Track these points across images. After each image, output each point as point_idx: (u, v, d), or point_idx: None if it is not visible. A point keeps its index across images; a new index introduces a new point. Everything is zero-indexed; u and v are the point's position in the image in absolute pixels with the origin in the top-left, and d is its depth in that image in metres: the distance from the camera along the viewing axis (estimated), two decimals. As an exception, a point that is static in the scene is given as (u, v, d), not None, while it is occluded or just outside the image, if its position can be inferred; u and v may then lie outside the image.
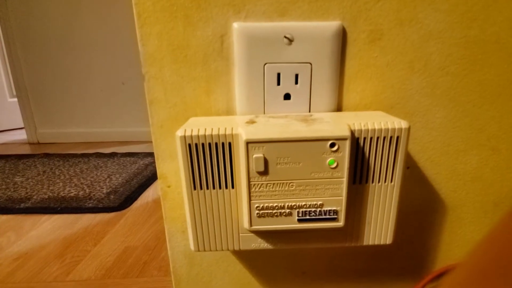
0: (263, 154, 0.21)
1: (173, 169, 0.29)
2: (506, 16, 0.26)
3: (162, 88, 0.27)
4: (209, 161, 0.22)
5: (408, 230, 0.32)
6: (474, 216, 0.32)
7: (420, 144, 0.29)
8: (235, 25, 0.25)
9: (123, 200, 1.15)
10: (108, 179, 1.36)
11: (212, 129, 0.21)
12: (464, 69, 0.27)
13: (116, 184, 1.31)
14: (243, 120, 0.23)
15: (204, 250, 0.24)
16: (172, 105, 0.27)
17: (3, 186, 1.31)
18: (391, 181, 0.23)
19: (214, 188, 0.23)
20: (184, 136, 0.21)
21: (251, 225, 0.22)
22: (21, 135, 2.17)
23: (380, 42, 0.26)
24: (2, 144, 2.06)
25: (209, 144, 0.21)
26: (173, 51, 0.26)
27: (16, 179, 1.39)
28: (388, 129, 0.22)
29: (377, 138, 0.22)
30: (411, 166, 0.30)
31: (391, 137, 0.22)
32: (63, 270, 0.74)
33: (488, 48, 0.27)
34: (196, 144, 0.21)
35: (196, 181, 0.22)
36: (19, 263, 0.77)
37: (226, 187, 0.23)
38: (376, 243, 0.25)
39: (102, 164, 1.56)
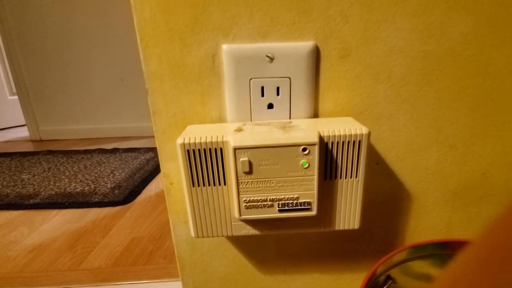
0: (248, 158, 0.25)
1: (174, 169, 0.33)
2: (460, 32, 0.30)
3: (163, 100, 0.31)
4: (205, 163, 0.27)
5: (379, 217, 0.37)
6: (436, 204, 0.36)
7: (387, 143, 0.33)
8: (224, 46, 0.29)
9: (127, 194, 1.20)
10: (111, 175, 1.41)
11: (206, 137, 0.26)
12: (423, 79, 0.31)
13: (120, 179, 1.36)
14: (232, 128, 0.28)
15: (203, 237, 0.29)
16: (172, 115, 0.31)
17: (11, 183, 1.37)
18: (356, 177, 0.28)
19: (209, 185, 0.27)
20: (184, 143, 0.26)
21: (240, 215, 0.27)
22: (23, 133, 2.22)
23: (349, 58, 0.30)
24: (5, 142, 2.11)
25: (204, 149, 0.26)
26: (172, 68, 0.30)
27: (23, 176, 1.45)
28: (351, 135, 0.26)
29: (343, 142, 0.26)
30: (380, 162, 0.34)
31: (354, 141, 0.26)
32: (76, 260, 0.79)
33: (444, 60, 0.31)
34: (193, 150, 0.26)
35: (195, 180, 0.27)
36: (34, 255, 0.83)
37: (220, 184, 0.27)
38: (345, 228, 0.30)
39: (105, 160, 1.61)
